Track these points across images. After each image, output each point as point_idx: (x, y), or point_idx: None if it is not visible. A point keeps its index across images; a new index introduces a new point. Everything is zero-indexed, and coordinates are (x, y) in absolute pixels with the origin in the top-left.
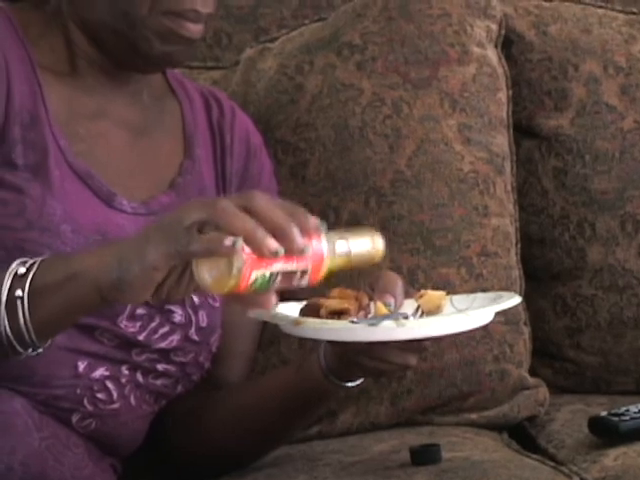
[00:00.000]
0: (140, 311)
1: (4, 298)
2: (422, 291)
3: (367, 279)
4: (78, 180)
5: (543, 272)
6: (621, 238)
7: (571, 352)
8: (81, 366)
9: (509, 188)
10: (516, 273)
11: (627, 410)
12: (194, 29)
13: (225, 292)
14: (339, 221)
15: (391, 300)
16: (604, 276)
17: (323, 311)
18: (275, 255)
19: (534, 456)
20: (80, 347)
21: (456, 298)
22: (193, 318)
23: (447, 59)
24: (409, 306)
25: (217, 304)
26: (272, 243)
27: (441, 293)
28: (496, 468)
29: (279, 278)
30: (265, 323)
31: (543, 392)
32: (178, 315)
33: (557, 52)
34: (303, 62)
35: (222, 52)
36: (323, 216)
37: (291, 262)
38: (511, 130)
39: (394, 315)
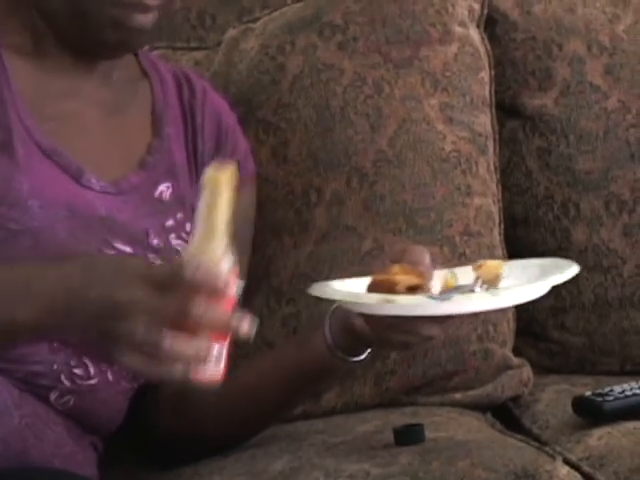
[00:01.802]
0: None
1: None
2: (480, 261)
3: (390, 255)
4: (46, 157)
5: (527, 252)
6: (605, 218)
7: (555, 332)
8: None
9: (492, 168)
10: (499, 252)
11: (611, 390)
12: (143, 20)
13: None
14: (321, 201)
15: None
16: (588, 256)
17: (400, 287)
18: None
19: (518, 436)
20: None
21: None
22: None
23: (429, 39)
24: (465, 276)
25: None
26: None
27: (499, 262)
28: (480, 448)
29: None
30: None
31: (527, 372)
32: None
33: (541, 31)
34: (285, 42)
35: (206, 33)
36: (305, 196)
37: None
38: (494, 109)
39: (465, 287)
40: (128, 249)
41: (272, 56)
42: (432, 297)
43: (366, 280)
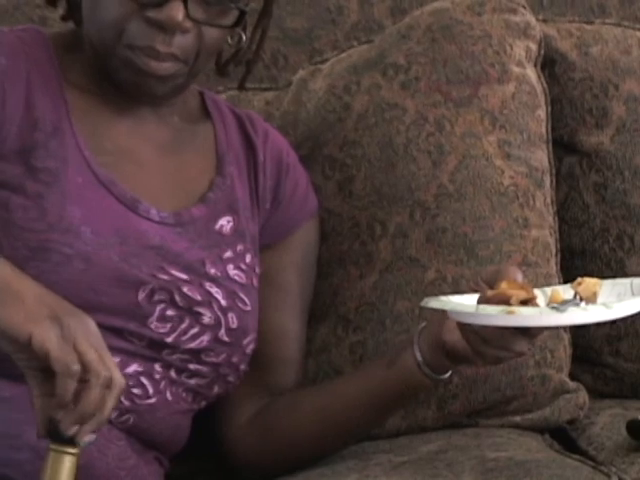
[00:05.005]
0: (170, 312)
1: None
2: (579, 279)
3: (480, 275)
4: (101, 187)
5: None
6: None
7: (610, 359)
8: None
9: (548, 201)
10: (556, 282)
11: None
12: (156, 66)
13: None
14: (386, 234)
15: None
16: None
17: (514, 300)
18: None
19: (575, 456)
20: (110, 344)
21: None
22: (222, 320)
23: (487, 78)
24: (563, 293)
25: (248, 308)
26: None
27: (597, 280)
28: (539, 467)
29: None
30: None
31: (583, 396)
32: (207, 317)
33: (598, 72)
34: (351, 82)
35: (279, 72)
36: (370, 229)
37: None
38: (550, 145)
39: (572, 302)
40: (184, 276)
41: (339, 96)
42: (554, 308)
43: (466, 298)
